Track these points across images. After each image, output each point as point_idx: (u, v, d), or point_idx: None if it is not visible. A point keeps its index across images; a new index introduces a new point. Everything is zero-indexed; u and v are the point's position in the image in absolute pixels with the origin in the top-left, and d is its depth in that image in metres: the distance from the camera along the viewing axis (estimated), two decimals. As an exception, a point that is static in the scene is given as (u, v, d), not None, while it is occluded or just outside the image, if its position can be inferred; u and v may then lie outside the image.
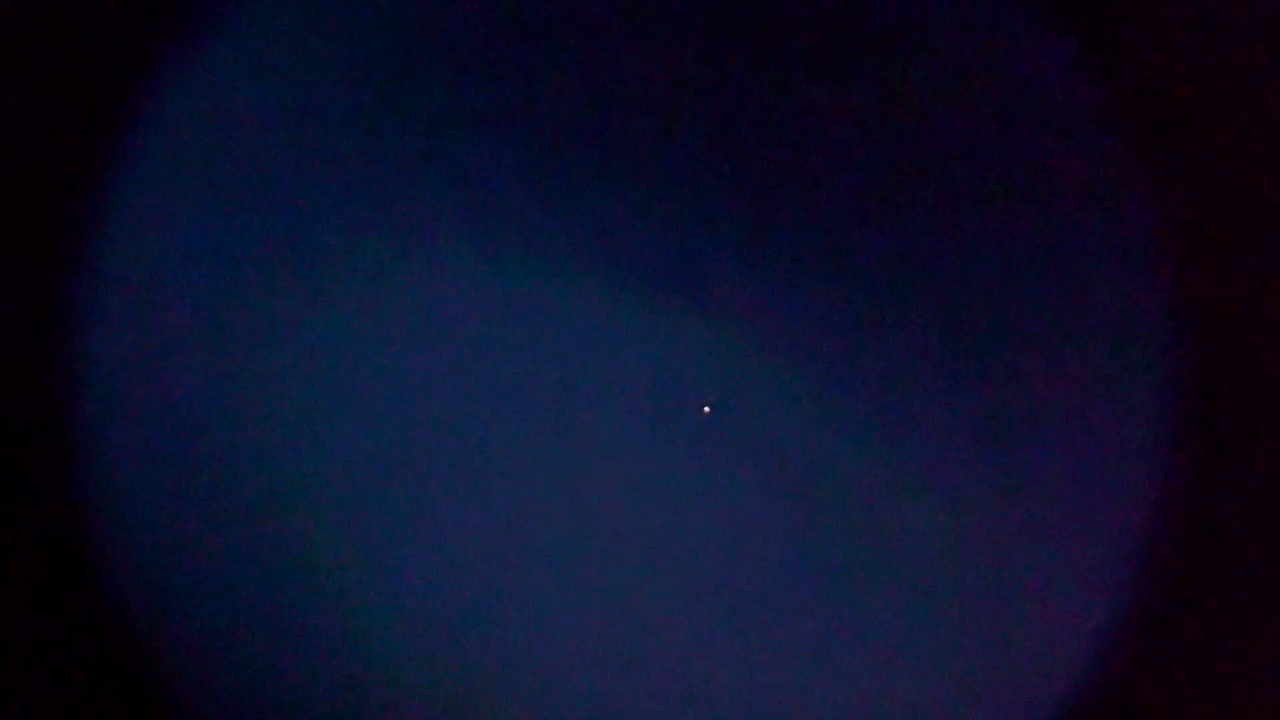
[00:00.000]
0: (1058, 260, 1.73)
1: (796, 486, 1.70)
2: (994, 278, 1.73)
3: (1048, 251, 1.73)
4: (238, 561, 1.69)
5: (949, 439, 1.71)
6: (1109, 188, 1.74)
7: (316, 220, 1.72)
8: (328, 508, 1.70)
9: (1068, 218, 1.74)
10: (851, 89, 1.72)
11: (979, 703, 1.69)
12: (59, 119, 1.70)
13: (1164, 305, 1.73)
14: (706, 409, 1.63)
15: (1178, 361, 1.72)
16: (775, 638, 1.70)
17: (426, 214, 1.72)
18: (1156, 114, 1.71)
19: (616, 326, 1.71)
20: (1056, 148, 1.74)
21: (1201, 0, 1.61)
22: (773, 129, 1.72)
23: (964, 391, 1.72)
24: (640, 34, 1.72)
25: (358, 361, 1.71)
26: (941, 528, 1.70)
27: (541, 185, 1.72)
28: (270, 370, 1.72)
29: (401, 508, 1.71)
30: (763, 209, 1.72)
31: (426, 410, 1.71)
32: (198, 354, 1.71)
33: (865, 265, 1.72)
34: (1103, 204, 1.74)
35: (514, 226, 1.71)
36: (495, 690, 1.69)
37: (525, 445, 1.71)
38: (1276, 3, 1.57)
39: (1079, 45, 1.73)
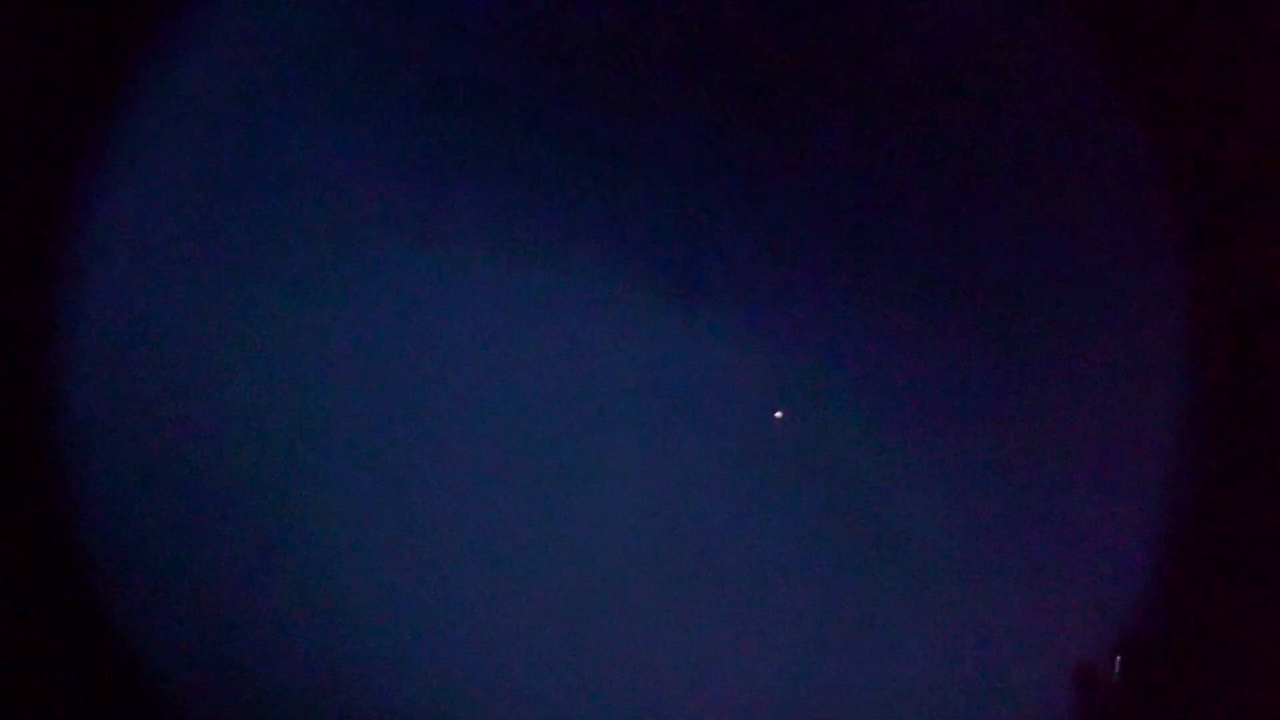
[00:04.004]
0: (1071, 254, 1.74)
1: (806, 486, 1.70)
2: (1007, 273, 1.73)
3: (1061, 246, 1.74)
4: (228, 561, 1.69)
5: (962, 436, 1.71)
6: (1123, 179, 1.74)
7: (313, 216, 1.72)
8: (324, 509, 1.70)
9: (1081, 210, 1.74)
10: (860, 84, 1.72)
11: (994, 702, 1.69)
12: (47, 113, 1.70)
13: (1180, 300, 1.72)
14: (778, 414, 1.62)
15: (1193, 357, 1.72)
16: (786, 637, 1.70)
17: (429, 210, 1.71)
18: (1172, 102, 1.70)
19: (623, 327, 1.71)
20: (1068, 137, 1.74)
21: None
22: (782, 126, 1.72)
23: (976, 390, 1.72)
24: (647, 29, 1.72)
25: (355, 360, 1.71)
26: (953, 525, 1.70)
27: (548, 184, 1.71)
28: (264, 367, 1.71)
29: (399, 510, 1.70)
30: (771, 204, 1.72)
31: (425, 411, 1.70)
32: (190, 352, 1.71)
33: (876, 262, 1.72)
34: (1117, 196, 1.74)
35: (518, 223, 1.71)
36: (492, 695, 1.69)
37: (524, 445, 1.71)
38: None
39: (1091, 31, 1.73)
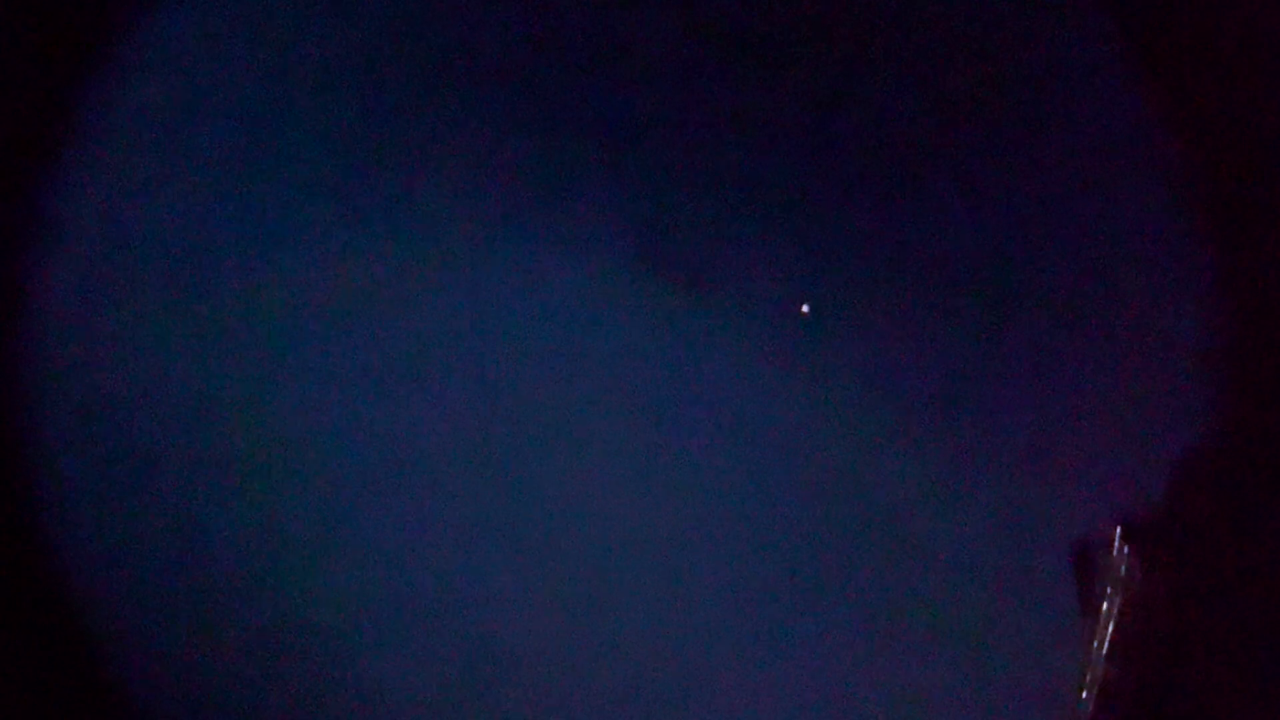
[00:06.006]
0: (1080, 249, 1.72)
1: (807, 484, 1.70)
2: (1014, 269, 1.72)
3: (1069, 240, 1.72)
4: (206, 562, 1.68)
5: (967, 431, 1.70)
6: (1135, 174, 1.72)
7: (290, 210, 1.71)
8: (309, 506, 1.69)
9: (1092, 200, 1.72)
10: (866, 75, 1.72)
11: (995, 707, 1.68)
12: (12, 98, 1.70)
13: (1193, 295, 1.71)
14: (805, 308, 1.61)
15: (1210, 356, 1.71)
16: (784, 639, 1.69)
17: (420, 206, 1.70)
18: (1189, 82, 1.70)
19: (619, 323, 1.70)
20: (1078, 118, 1.73)
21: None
22: (784, 116, 1.72)
23: (984, 384, 1.71)
24: (644, 26, 1.72)
25: (341, 353, 1.70)
26: (958, 522, 1.69)
27: (542, 176, 1.71)
28: (246, 362, 1.70)
29: (385, 507, 1.69)
30: (775, 197, 1.72)
31: (411, 407, 1.69)
32: (164, 347, 1.70)
33: (881, 256, 1.72)
34: (1130, 190, 1.72)
35: (513, 218, 1.70)
36: (482, 695, 1.68)
37: (514, 438, 1.70)
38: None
39: (1107, 20, 1.72)
